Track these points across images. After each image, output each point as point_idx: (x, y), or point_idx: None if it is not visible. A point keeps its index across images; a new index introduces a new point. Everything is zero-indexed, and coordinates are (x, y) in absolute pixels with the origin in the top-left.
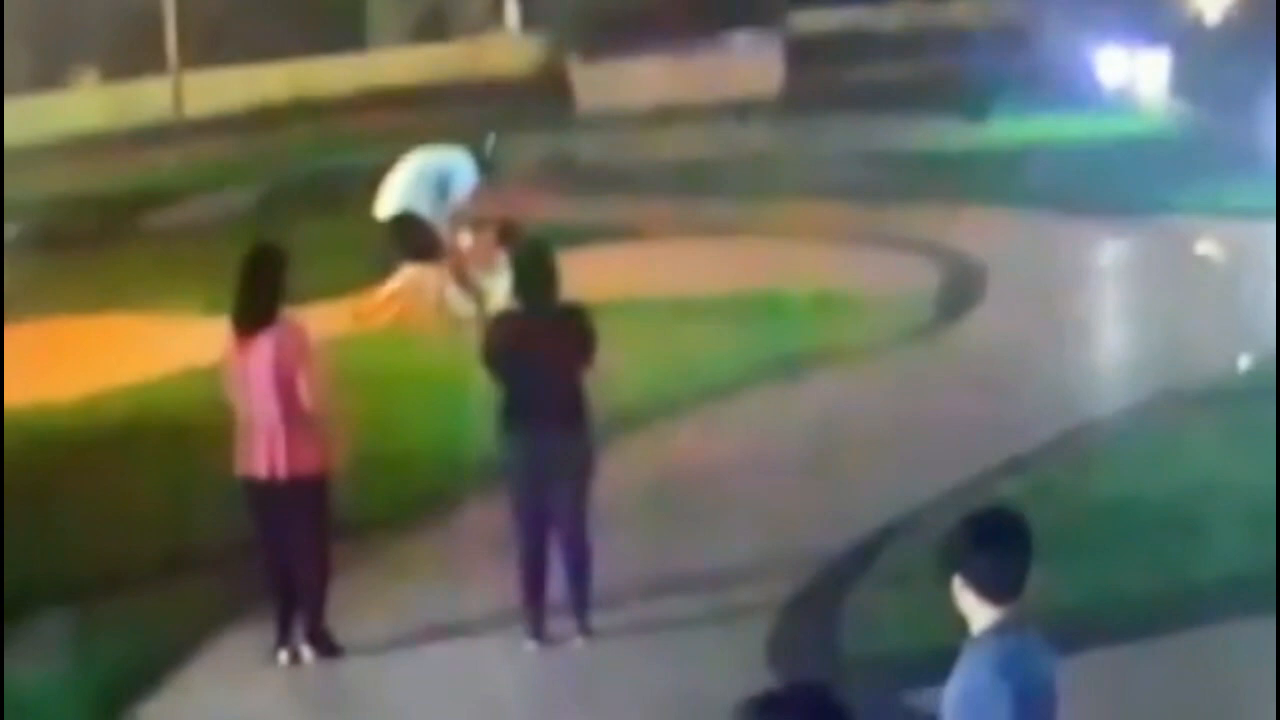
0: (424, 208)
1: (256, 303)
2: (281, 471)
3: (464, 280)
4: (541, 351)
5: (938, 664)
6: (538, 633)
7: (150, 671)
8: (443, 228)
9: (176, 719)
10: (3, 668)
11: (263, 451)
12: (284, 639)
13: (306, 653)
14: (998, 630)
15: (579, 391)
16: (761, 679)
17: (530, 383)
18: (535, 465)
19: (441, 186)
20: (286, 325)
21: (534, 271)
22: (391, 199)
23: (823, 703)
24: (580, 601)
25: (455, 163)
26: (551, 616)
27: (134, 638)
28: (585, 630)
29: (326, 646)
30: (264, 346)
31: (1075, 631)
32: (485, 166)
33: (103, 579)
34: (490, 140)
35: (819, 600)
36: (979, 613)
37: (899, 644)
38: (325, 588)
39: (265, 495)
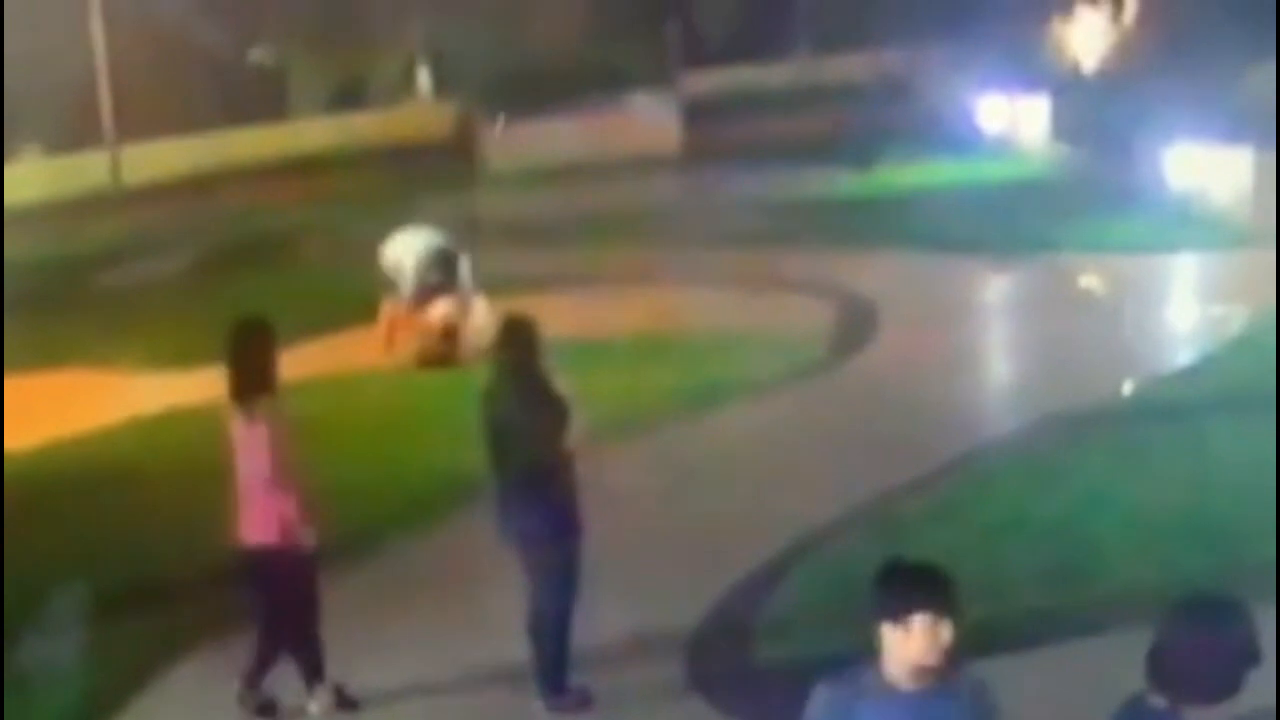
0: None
1: (252, 375)
2: (270, 538)
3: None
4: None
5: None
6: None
7: (110, 701)
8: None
9: None
10: None
11: (252, 519)
12: (252, 684)
13: (324, 697)
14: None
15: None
16: (681, 696)
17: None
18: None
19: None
20: (270, 402)
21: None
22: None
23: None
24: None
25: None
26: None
27: (94, 668)
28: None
29: (340, 697)
30: (254, 422)
31: (974, 642)
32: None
33: (60, 615)
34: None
35: (735, 616)
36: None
37: (810, 654)
38: (318, 639)
39: (255, 560)
